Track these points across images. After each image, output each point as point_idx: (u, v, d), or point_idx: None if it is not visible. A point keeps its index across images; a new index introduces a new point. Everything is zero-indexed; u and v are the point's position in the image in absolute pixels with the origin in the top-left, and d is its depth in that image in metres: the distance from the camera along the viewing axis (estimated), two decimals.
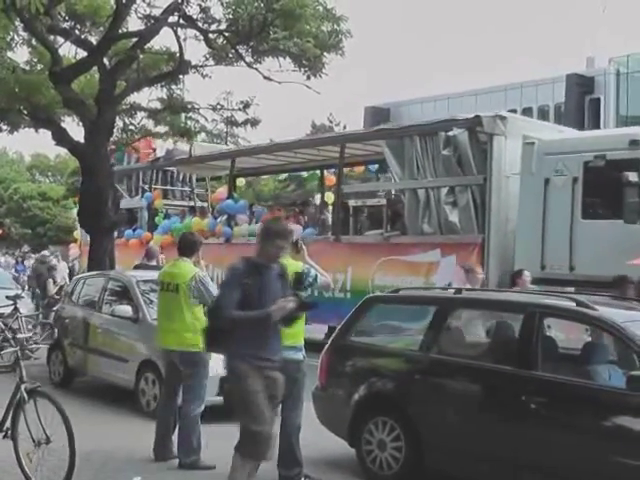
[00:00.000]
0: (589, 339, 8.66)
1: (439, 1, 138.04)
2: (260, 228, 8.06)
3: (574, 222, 14.22)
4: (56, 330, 14.38)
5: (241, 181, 28.25)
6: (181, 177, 27.84)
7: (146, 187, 26.61)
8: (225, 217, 22.31)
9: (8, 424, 7.76)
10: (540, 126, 18.92)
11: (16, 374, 7.76)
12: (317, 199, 23.13)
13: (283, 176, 36.78)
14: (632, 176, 13.51)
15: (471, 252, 15.59)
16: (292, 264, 8.43)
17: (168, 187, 27.53)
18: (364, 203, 21.54)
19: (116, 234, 24.19)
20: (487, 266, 15.15)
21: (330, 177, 24.43)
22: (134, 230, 25.05)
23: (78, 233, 28.24)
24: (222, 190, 24.81)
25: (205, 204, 26.09)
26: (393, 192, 19.70)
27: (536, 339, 7.89)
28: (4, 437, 7.79)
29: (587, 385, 7.59)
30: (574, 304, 7.94)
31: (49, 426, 7.37)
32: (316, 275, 8.47)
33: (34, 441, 7.43)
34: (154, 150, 26.30)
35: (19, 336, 8.26)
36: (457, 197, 16.45)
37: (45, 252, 28.48)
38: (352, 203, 20.95)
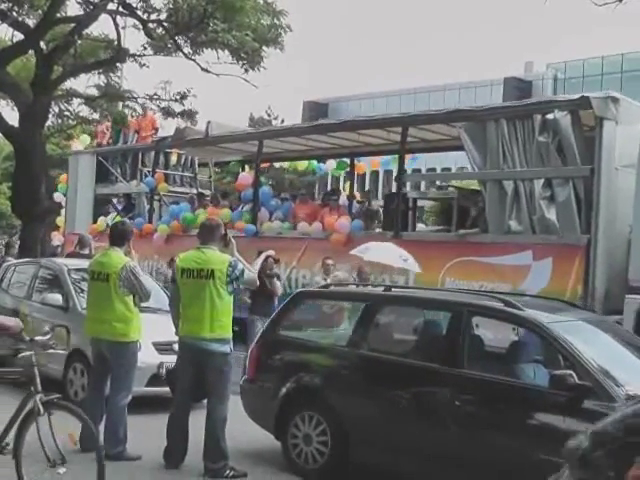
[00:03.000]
0: (516, 338, 8.78)
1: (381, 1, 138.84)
2: None
3: None
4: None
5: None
6: (182, 161, 24.88)
7: (146, 170, 23.46)
8: (249, 206, 19.79)
9: (8, 440, 6.70)
10: None
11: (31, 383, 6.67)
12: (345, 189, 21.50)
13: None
14: None
15: (573, 256, 13.73)
16: (219, 257, 8.43)
17: (169, 171, 24.40)
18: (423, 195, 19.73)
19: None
20: (593, 273, 13.45)
21: (360, 165, 23.04)
22: (132, 218, 21.51)
23: (62, 220, 24.19)
24: (246, 176, 21.96)
25: (207, 191, 23.65)
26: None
27: (463, 337, 8.00)
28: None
29: (512, 383, 7.68)
30: (502, 304, 8.06)
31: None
32: (243, 270, 8.45)
33: (48, 460, 6.51)
34: (157, 130, 24.59)
35: (37, 338, 6.92)
36: (555, 191, 14.12)
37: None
38: (413, 195, 18.55)
